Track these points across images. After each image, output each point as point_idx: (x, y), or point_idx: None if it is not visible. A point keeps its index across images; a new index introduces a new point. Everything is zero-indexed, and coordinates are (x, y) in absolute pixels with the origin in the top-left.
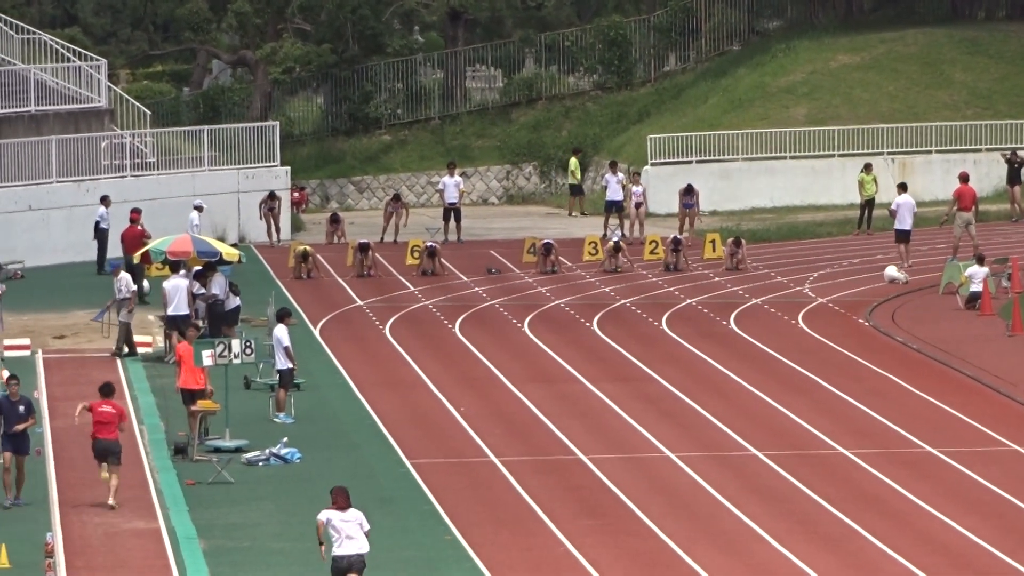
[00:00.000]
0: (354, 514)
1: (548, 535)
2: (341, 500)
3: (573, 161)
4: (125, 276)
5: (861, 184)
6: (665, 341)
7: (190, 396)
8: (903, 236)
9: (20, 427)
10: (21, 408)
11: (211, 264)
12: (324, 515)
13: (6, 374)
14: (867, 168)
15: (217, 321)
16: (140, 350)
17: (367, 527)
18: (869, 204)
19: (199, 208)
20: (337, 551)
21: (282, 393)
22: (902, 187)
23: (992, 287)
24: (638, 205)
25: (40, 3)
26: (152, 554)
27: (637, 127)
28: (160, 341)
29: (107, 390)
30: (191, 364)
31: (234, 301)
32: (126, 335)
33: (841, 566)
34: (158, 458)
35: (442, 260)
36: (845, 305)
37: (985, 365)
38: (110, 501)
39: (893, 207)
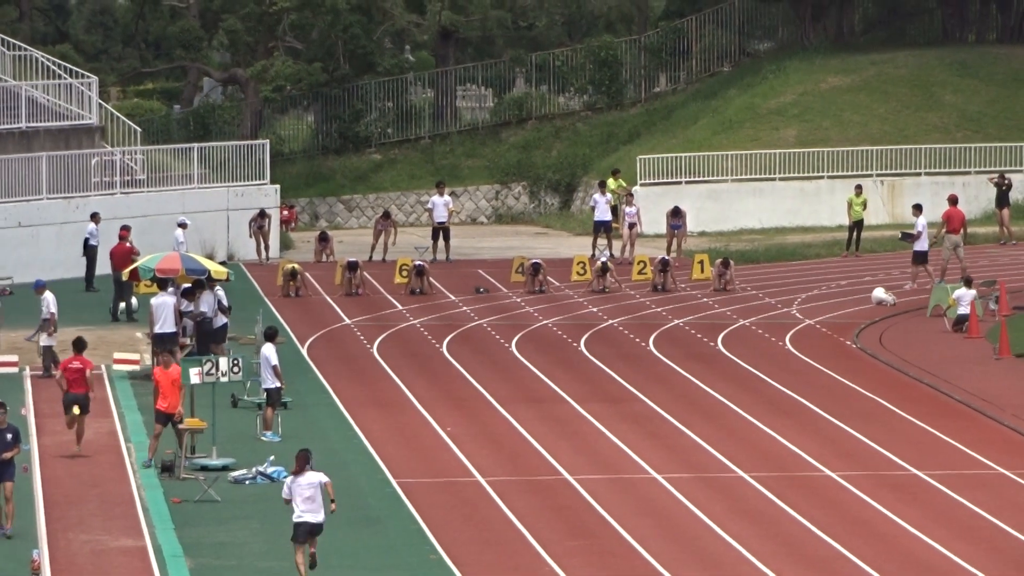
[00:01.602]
0: (312, 478)
1: (534, 555)
2: (299, 464)
3: (611, 182)
4: (48, 297)
5: (849, 205)
6: (653, 362)
7: (164, 419)
8: (923, 258)
9: (7, 455)
10: (8, 436)
11: (199, 282)
12: (285, 489)
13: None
14: (858, 190)
15: (205, 339)
16: (127, 368)
17: (325, 478)
18: (857, 226)
19: (183, 225)
20: (296, 519)
21: (269, 412)
22: (919, 208)
23: (979, 310)
24: (631, 226)
25: (32, 20)
26: (138, 572)
27: (627, 147)
28: (148, 359)
29: (79, 345)
30: (166, 389)
31: (221, 319)
32: (52, 357)
33: None
34: (145, 476)
35: (430, 279)
36: (833, 327)
37: (972, 388)
38: (77, 448)
39: (919, 229)
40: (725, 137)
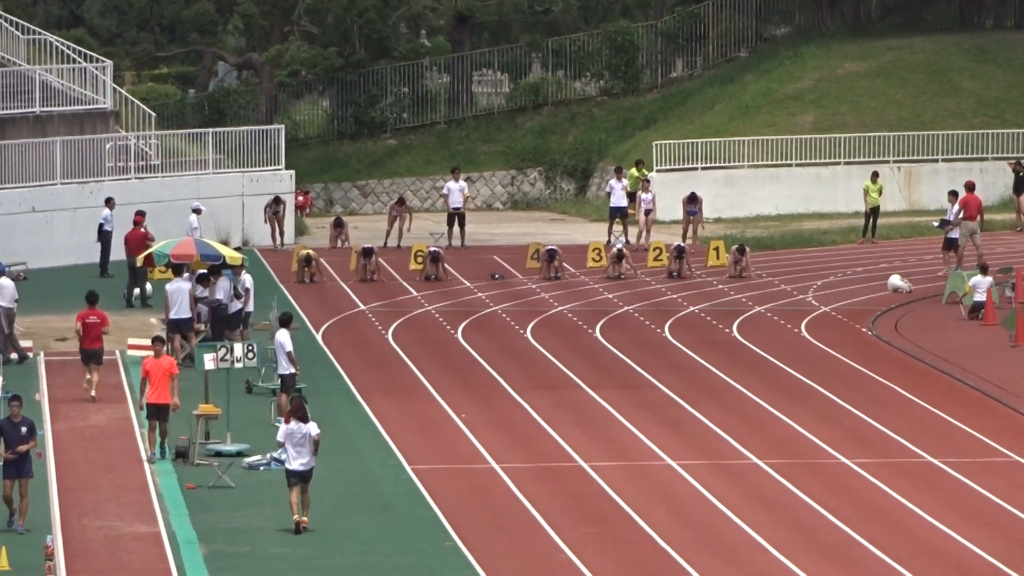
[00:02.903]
0: (306, 428)
1: (549, 542)
2: (300, 413)
3: (633, 171)
4: (3, 282)
5: (866, 192)
6: (668, 348)
7: (155, 411)
8: (954, 244)
9: (22, 449)
10: (23, 429)
11: (215, 267)
12: (281, 434)
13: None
14: (874, 176)
15: (219, 325)
16: (141, 353)
17: (316, 432)
18: (873, 213)
19: (197, 211)
20: (288, 466)
21: (284, 398)
22: (955, 195)
23: (996, 297)
24: (647, 212)
25: (46, 4)
26: (152, 558)
27: (643, 133)
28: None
29: (92, 298)
30: (157, 379)
31: (236, 305)
32: None
33: None
34: (158, 462)
35: (445, 265)
36: (848, 314)
37: (988, 375)
38: (92, 393)
39: (951, 215)
40: (742, 123)
